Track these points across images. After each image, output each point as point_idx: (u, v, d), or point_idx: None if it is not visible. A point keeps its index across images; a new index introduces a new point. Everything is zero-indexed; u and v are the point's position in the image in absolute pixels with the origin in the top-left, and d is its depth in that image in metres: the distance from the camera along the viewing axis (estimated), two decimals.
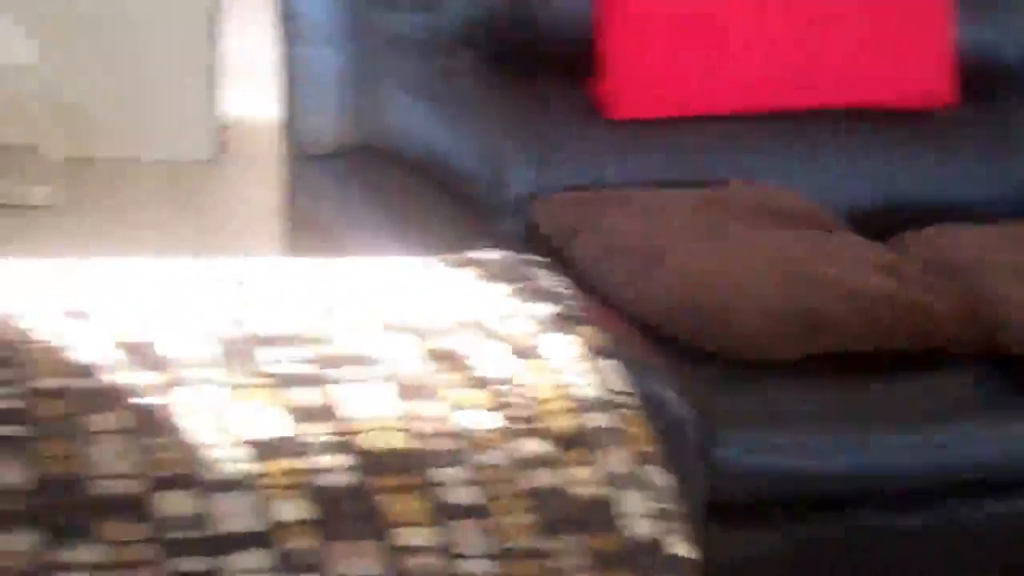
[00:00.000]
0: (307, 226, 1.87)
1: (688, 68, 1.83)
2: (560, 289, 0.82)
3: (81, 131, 3.24)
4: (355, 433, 0.66)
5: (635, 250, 1.63)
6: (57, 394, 0.62)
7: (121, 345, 0.67)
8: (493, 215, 1.79)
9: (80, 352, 0.65)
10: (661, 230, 1.65)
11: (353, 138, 1.77)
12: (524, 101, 1.81)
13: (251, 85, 3.93)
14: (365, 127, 1.77)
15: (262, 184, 3.42)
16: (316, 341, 0.71)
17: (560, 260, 1.67)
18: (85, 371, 0.64)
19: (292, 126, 1.81)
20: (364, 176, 1.76)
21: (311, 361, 0.70)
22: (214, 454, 0.63)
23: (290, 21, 1.73)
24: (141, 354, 0.66)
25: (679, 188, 1.78)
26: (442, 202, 1.76)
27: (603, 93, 1.82)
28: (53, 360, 0.64)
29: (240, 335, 0.70)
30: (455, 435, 0.68)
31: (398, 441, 0.66)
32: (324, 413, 0.66)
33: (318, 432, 0.65)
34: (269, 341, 0.70)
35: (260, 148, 3.62)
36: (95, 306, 0.70)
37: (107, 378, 0.64)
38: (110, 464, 0.61)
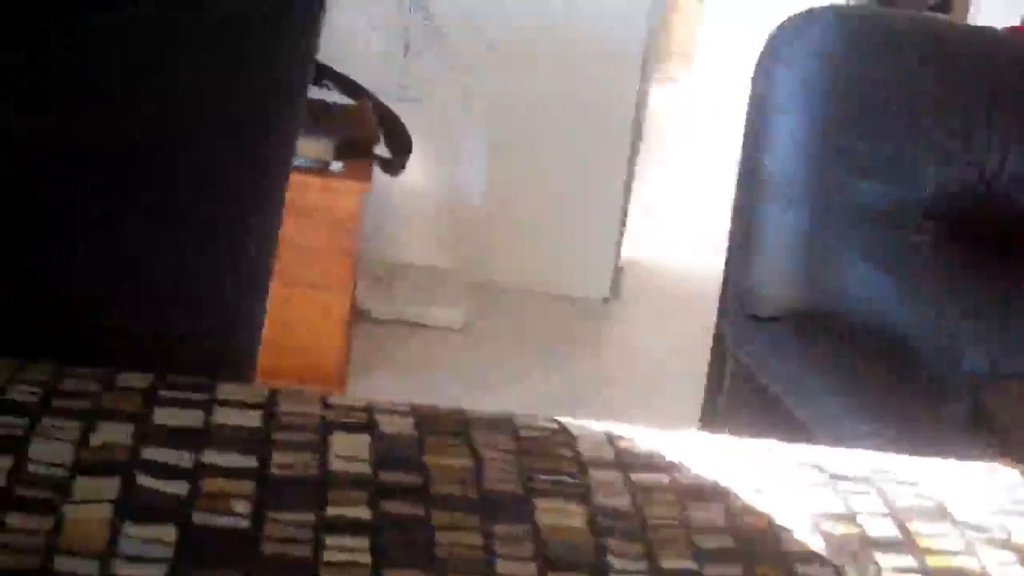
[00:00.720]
0: (740, 384, 1.86)
1: None
2: None
3: (487, 258, 3.40)
4: None
5: None
6: None
7: None
8: (941, 394, 1.72)
9: None
10: None
11: (803, 302, 1.75)
12: (987, 280, 1.74)
13: (647, 228, 4.03)
14: (818, 293, 1.75)
15: (654, 327, 3.47)
16: (927, 551, 0.67)
17: (1007, 450, 1.57)
18: None
19: (739, 283, 1.81)
20: (811, 341, 1.73)
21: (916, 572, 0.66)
22: None
23: (756, 179, 1.74)
24: None
25: None
26: (889, 375, 1.70)
27: None
28: None
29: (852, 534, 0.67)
30: None
31: None
32: None
33: None
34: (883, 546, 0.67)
35: (652, 290, 3.69)
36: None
37: None
38: None
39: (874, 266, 1.72)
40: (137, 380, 0.66)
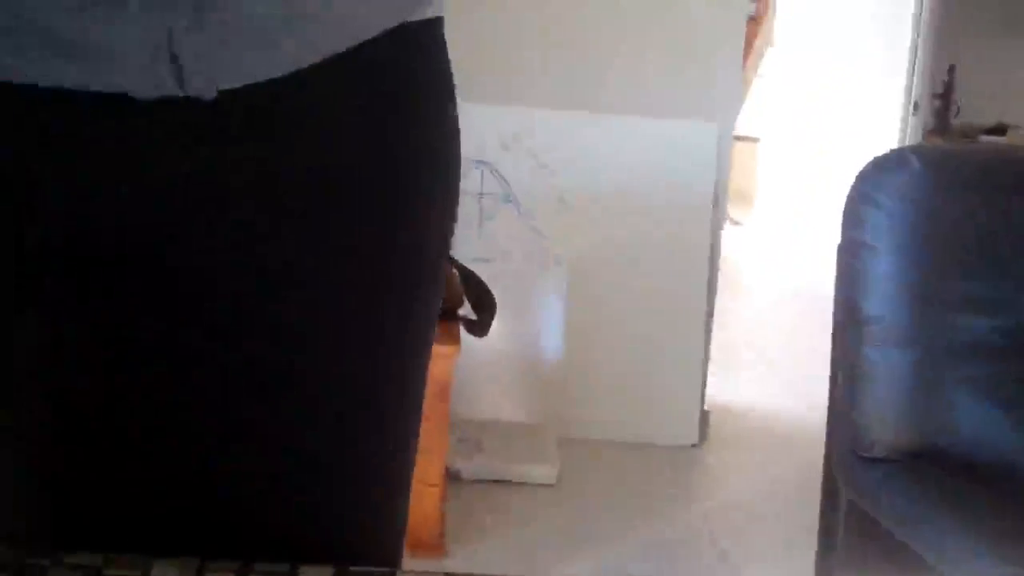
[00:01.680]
0: (856, 526, 1.83)
1: None
2: None
3: (573, 411, 3.41)
4: None
5: None
6: None
7: None
8: None
9: None
10: None
11: (915, 441, 1.74)
12: None
13: (730, 371, 4.03)
14: (928, 430, 1.74)
15: (746, 470, 3.44)
16: None
17: None
18: None
19: (848, 425, 1.81)
20: (927, 479, 1.71)
21: None
22: None
23: (857, 321, 1.75)
24: None
25: None
26: (1009, 511, 1.68)
27: None
28: None
29: None
30: None
31: None
32: None
33: None
34: None
35: (740, 433, 3.67)
36: None
37: None
38: None
39: (984, 400, 1.71)
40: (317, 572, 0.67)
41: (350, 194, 0.78)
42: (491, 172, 3.37)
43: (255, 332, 0.76)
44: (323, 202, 0.77)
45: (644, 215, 3.40)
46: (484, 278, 2.85)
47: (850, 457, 1.81)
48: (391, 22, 0.78)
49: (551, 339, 3.43)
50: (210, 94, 0.70)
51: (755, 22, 8.54)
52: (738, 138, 3.91)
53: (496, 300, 2.86)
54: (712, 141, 3.42)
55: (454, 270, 2.81)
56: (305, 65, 0.73)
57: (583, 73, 3.40)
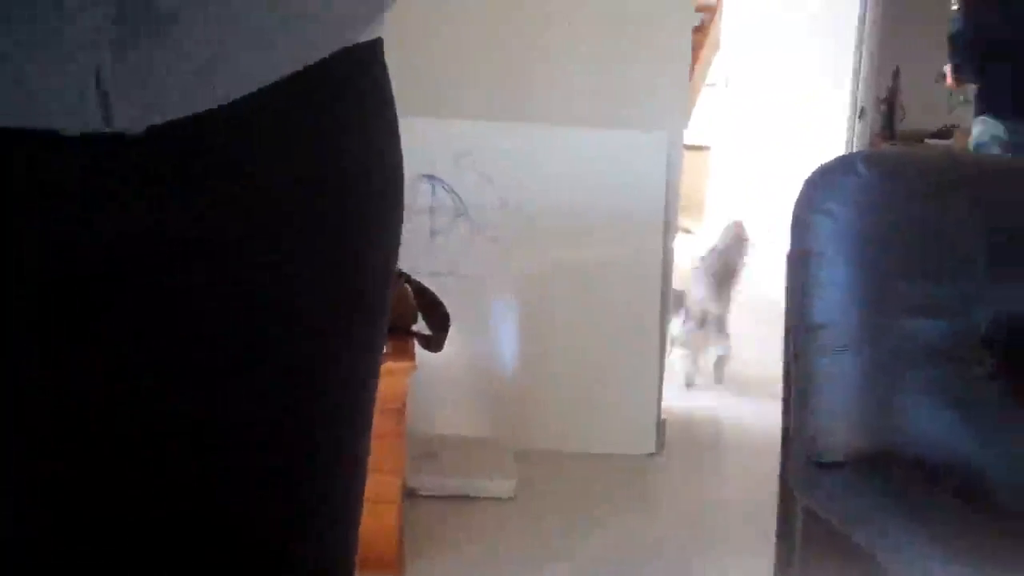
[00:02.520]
0: (812, 531, 1.84)
1: None
2: None
3: (530, 424, 3.41)
4: None
5: None
6: None
7: None
8: (1019, 526, 1.70)
9: None
10: None
11: (869, 445, 1.75)
12: None
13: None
14: (881, 434, 1.75)
15: (702, 478, 3.45)
16: None
17: None
18: None
19: (802, 431, 1.81)
20: (882, 482, 1.72)
21: None
22: None
23: (807, 327, 1.76)
24: None
25: None
26: (967, 511, 1.69)
27: None
28: None
29: None
30: None
31: None
32: None
33: None
34: None
35: (696, 441, 3.68)
36: None
37: None
38: None
39: (937, 402, 1.72)
40: None
41: (295, 220, 0.77)
42: (442, 187, 3.36)
43: (191, 373, 0.76)
44: (265, 231, 0.76)
45: (596, 226, 3.41)
46: (437, 293, 2.85)
47: (804, 463, 1.81)
48: (334, 47, 0.77)
49: (506, 352, 3.42)
50: (138, 129, 0.69)
51: (701, 31, 8.59)
52: (688, 147, 3.92)
53: (450, 315, 2.85)
54: (662, 151, 3.44)
55: (407, 285, 2.79)
56: (240, 95, 0.72)
57: (529, 85, 3.40)
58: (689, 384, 4.13)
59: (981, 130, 4.02)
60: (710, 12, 8.74)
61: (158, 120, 0.69)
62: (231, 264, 0.75)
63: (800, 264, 1.80)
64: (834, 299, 1.74)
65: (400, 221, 0.88)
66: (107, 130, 0.68)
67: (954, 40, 4.25)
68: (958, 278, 1.73)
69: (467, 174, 3.36)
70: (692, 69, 3.84)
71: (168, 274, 0.73)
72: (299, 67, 0.75)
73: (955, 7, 4.71)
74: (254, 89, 0.72)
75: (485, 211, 3.37)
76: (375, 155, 0.83)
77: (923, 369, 1.72)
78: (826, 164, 1.84)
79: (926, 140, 7.11)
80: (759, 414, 3.60)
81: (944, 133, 7.15)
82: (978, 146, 4.02)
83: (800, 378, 1.79)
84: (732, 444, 3.64)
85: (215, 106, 0.71)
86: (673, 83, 3.46)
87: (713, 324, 4.11)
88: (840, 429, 1.76)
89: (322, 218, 0.79)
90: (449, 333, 2.87)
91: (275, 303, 0.77)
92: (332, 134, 0.79)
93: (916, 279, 1.73)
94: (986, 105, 4.05)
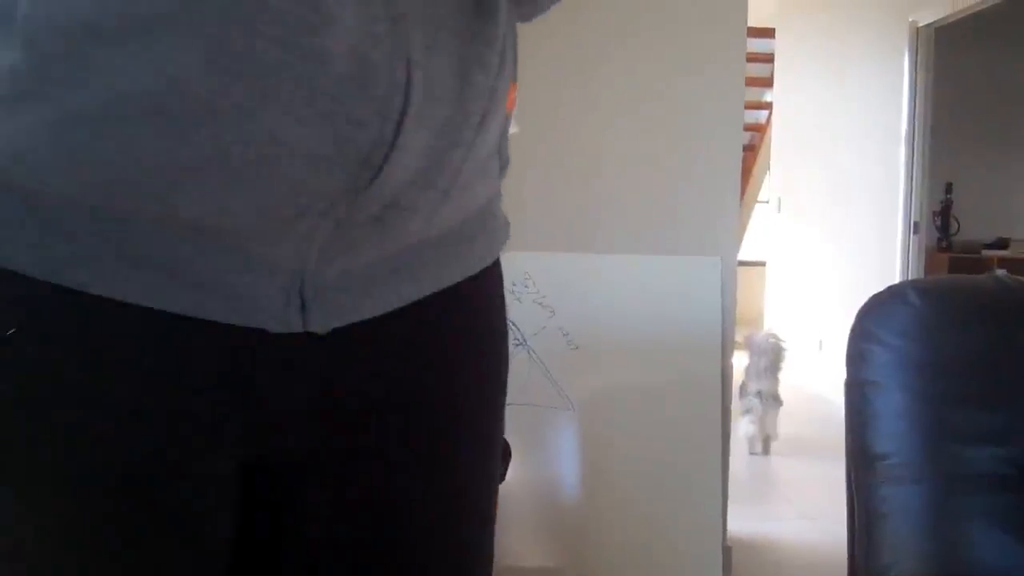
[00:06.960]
0: None
1: None
2: None
3: (592, 553, 3.38)
4: None
5: None
6: None
7: None
8: None
9: None
10: None
11: None
12: None
13: (750, 507, 3.99)
14: (946, 565, 1.73)
15: None
16: None
17: None
18: None
19: (868, 564, 1.79)
20: None
21: None
22: None
23: (868, 459, 1.75)
24: None
25: None
26: None
27: None
28: None
29: None
30: None
31: None
32: None
33: None
34: None
35: (763, 567, 3.62)
36: None
37: None
38: None
39: (1005, 532, 1.70)
40: None
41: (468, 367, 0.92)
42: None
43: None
44: (449, 379, 0.90)
45: (653, 351, 3.42)
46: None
47: None
48: (487, 262, 0.92)
49: (567, 482, 3.42)
50: (325, 330, 0.76)
51: (751, 150, 8.68)
52: (745, 263, 3.94)
53: (510, 445, 2.86)
54: (716, 273, 3.46)
55: None
56: (412, 300, 0.82)
57: (583, 216, 3.46)
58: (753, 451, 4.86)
59: None
60: (759, 131, 8.84)
61: (344, 323, 0.77)
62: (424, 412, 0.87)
63: (857, 394, 1.80)
64: (892, 429, 1.74)
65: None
66: (301, 330, 0.75)
67: None
68: (1016, 404, 1.72)
69: (523, 305, 3.41)
70: (743, 188, 3.89)
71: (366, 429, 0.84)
72: (456, 281, 0.88)
73: None
74: (424, 296, 0.83)
75: (543, 340, 3.41)
76: (500, 303, 0.98)
77: (985, 498, 1.70)
78: (879, 294, 1.85)
79: (982, 251, 7.07)
80: (823, 534, 3.54)
81: (1000, 243, 7.11)
82: None
83: (863, 509, 1.78)
84: (800, 571, 3.57)
85: (390, 309, 0.81)
86: (724, 206, 3.50)
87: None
88: (904, 559, 1.74)
89: (486, 360, 0.93)
90: (510, 463, 2.87)
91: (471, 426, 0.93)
92: (492, 309, 0.94)
93: (974, 407, 1.72)
94: None
